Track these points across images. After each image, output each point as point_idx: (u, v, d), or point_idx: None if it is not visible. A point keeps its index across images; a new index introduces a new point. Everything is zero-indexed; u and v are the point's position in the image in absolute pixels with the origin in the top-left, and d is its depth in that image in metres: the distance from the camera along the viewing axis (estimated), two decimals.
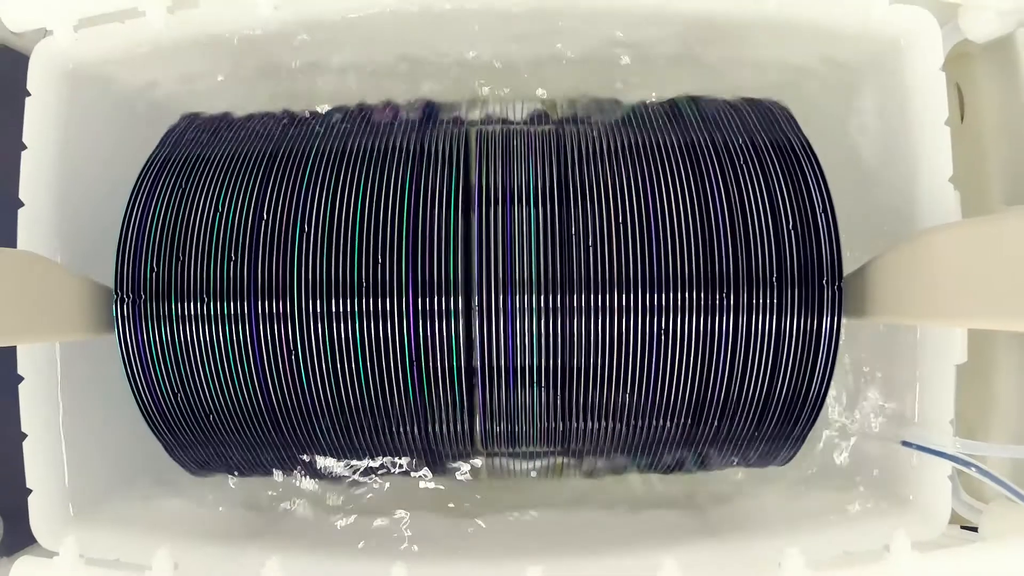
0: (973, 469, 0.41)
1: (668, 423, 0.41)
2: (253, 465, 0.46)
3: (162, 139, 0.46)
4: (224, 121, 0.47)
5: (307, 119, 0.45)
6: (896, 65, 0.43)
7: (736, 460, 0.45)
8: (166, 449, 0.45)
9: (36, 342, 0.41)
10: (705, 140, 0.41)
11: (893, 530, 0.39)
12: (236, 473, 0.48)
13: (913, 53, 0.43)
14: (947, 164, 0.41)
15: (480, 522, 0.46)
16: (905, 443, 0.42)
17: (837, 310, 0.38)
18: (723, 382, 0.39)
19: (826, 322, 0.38)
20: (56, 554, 0.43)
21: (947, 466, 0.42)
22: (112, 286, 0.40)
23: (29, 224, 0.44)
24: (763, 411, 0.40)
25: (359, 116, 0.45)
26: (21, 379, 0.44)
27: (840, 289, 0.38)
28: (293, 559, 0.38)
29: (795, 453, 0.44)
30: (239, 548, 0.40)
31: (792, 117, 0.44)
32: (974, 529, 0.46)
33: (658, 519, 0.46)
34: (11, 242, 0.44)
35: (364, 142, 0.42)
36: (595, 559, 0.38)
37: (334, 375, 0.39)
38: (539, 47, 0.49)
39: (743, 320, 0.38)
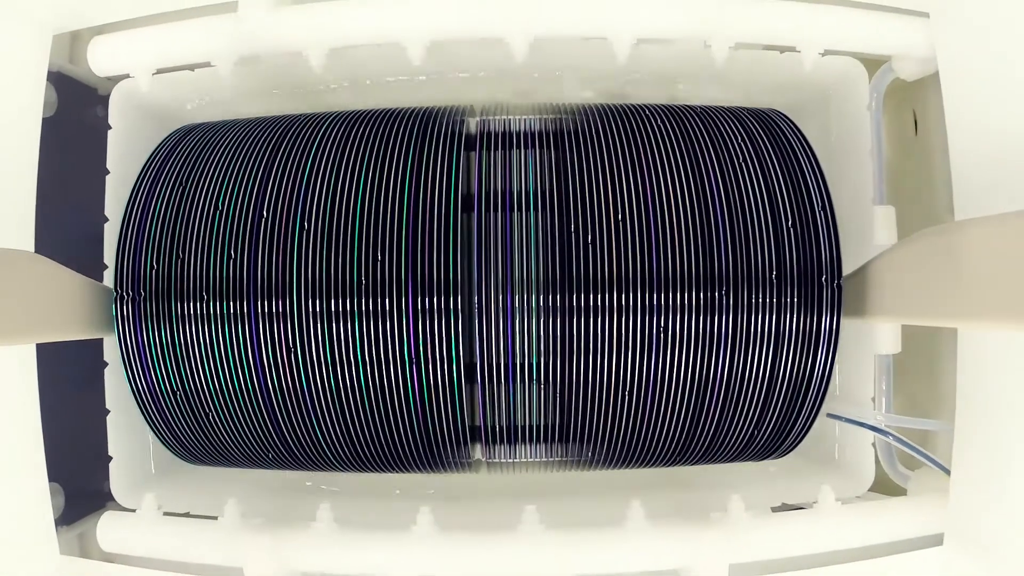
0: (891, 438, 0.50)
1: (667, 421, 0.41)
2: (254, 462, 0.46)
3: (163, 140, 0.46)
4: (225, 123, 0.47)
5: (308, 119, 0.45)
6: (828, 106, 0.52)
7: (735, 455, 0.45)
8: (166, 446, 0.45)
9: (36, 341, 0.42)
10: (704, 139, 0.41)
11: (821, 486, 0.48)
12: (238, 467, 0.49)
13: (842, 97, 0.51)
14: (869, 189, 0.50)
15: (483, 475, 0.51)
16: (830, 415, 0.50)
17: (836, 308, 0.39)
18: (722, 380, 0.39)
19: (825, 320, 0.39)
20: (133, 511, 0.51)
21: (870, 435, 0.51)
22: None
23: (113, 236, 0.50)
24: (762, 409, 0.41)
25: (360, 117, 0.45)
26: (107, 364, 0.50)
27: (839, 287, 0.39)
28: (340, 504, 0.46)
29: (793, 448, 0.45)
30: (295, 498, 0.49)
31: (790, 119, 0.44)
32: None
33: (629, 473, 0.53)
34: (98, 254, 0.50)
35: (365, 141, 0.42)
36: (577, 501, 0.46)
37: (334, 374, 0.39)
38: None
39: (742, 318, 0.38)
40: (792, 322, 0.38)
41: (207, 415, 0.42)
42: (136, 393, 0.42)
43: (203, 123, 0.48)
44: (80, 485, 0.55)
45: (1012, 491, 0.44)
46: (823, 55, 0.49)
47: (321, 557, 0.45)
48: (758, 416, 0.41)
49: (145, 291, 0.40)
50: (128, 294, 0.40)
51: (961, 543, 0.47)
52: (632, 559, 0.44)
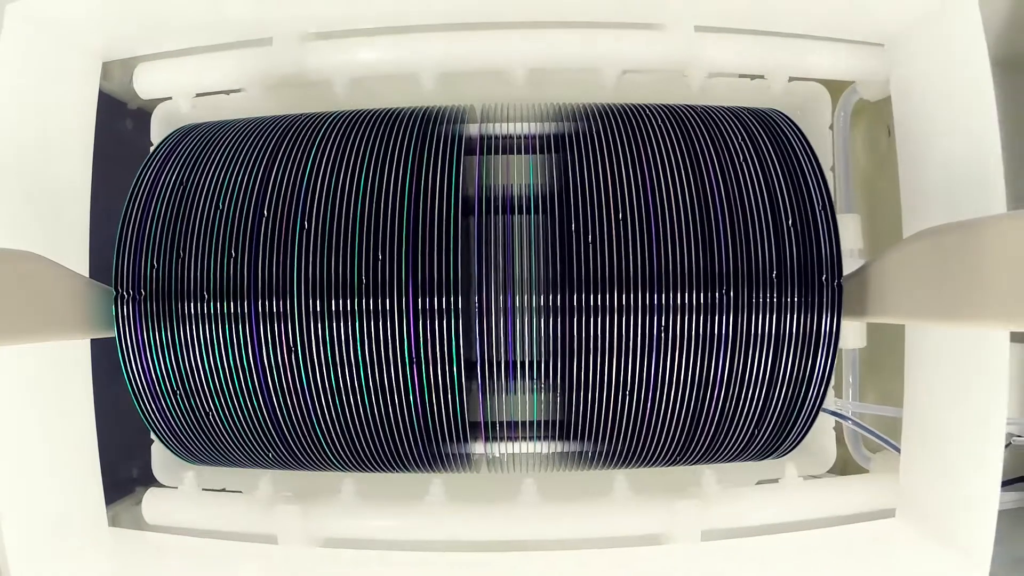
0: (850, 422, 0.56)
1: (667, 421, 0.40)
2: (254, 461, 0.46)
3: (163, 140, 0.46)
4: (225, 123, 0.46)
5: (308, 119, 0.45)
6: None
7: (735, 455, 0.44)
8: (166, 446, 0.45)
9: (36, 342, 0.41)
10: (705, 139, 0.41)
11: (786, 465, 0.54)
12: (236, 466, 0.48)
13: (809, 116, 0.57)
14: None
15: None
16: None
17: (837, 307, 0.38)
18: (723, 380, 0.39)
19: (826, 319, 0.38)
20: (175, 488, 0.56)
21: (831, 420, 0.57)
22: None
23: None
24: (762, 408, 0.40)
25: (361, 117, 0.44)
26: None
27: (840, 287, 0.38)
28: (362, 478, 0.52)
29: (793, 448, 0.44)
30: (321, 474, 0.54)
31: (790, 119, 0.44)
32: None
33: None
34: None
35: (365, 141, 0.41)
36: (570, 474, 0.52)
37: (334, 374, 0.39)
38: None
39: (743, 318, 0.38)
40: (792, 322, 0.38)
41: (207, 415, 0.41)
42: (136, 393, 0.42)
43: (203, 123, 0.48)
44: (117, 468, 0.60)
45: (953, 468, 0.49)
46: (790, 81, 0.55)
47: (345, 524, 0.52)
48: (758, 416, 0.41)
49: (145, 291, 0.40)
50: (128, 293, 0.40)
51: (910, 514, 0.52)
52: (618, 525, 0.51)
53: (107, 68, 0.60)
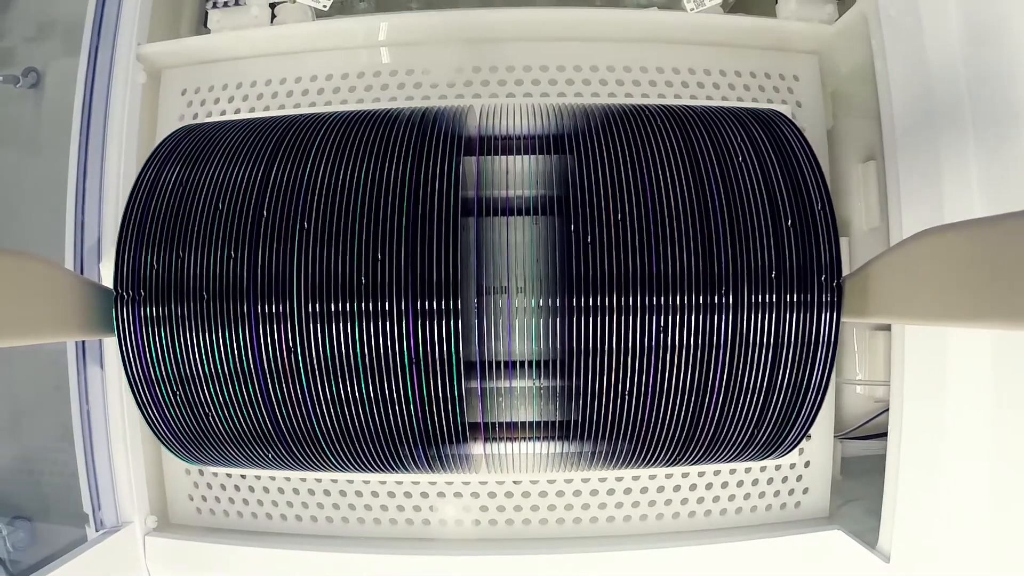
0: None
1: (667, 422, 0.39)
2: (253, 462, 0.45)
3: (164, 140, 0.45)
4: (225, 123, 0.46)
5: (308, 119, 0.44)
6: None
7: (735, 455, 0.44)
8: (166, 446, 0.44)
9: (36, 342, 0.40)
10: (704, 140, 0.41)
11: None
12: (236, 467, 0.49)
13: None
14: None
15: None
16: None
17: (836, 307, 0.38)
18: (722, 380, 0.38)
19: (825, 319, 0.38)
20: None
21: None
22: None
23: None
24: (762, 408, 0.40)
25: (360, 117, 0.44)
26: None
27: (839, 287, 0.38)
28: None
29: (794, 447, 0.43)
30: None
31: (789, 119, 0.44)
32: None
33: None
34: None
35: (365, 141, 0.41)
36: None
37: (333, 375, 0.38)
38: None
39: (743, 318, 0.37)
40: (792, 322, 0.38)
41: (207, 416, 0.41)
42: (136, 393, 0.41)
43: (203, 123, 0.47)
44: None
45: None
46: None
47: None
48: (758, 415, 0.40)
49: (145, 291, 0.39)
50: (128, 294, 0.39)
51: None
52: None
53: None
